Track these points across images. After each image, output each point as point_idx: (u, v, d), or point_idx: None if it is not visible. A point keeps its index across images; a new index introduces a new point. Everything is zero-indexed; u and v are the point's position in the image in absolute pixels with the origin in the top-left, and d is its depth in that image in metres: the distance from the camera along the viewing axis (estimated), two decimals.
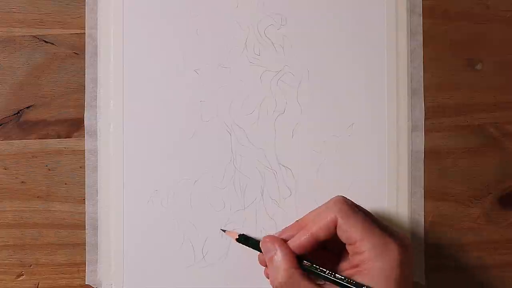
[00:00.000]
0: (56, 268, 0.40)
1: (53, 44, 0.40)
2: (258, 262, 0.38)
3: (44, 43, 0.40)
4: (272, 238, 0.35)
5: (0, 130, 0.40)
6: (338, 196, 0.34)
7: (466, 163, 0.40)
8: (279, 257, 0.34)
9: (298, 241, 0.34)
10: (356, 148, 0.39)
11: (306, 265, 0.34)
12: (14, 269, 0.40)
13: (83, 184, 0.40)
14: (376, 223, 0.33)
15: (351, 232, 0.32)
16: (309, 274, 0.34)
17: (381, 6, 0.40)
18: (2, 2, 0.41)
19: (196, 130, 0.40)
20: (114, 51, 0.40)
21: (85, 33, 0.40)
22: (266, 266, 0.36)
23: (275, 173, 0.40)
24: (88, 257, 0.40)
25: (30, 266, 0.40)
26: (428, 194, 0.40)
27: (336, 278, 0.33)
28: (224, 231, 0.39)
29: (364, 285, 0.31)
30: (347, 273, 0.33)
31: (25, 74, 0.40)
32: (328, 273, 0.33)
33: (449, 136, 0.40)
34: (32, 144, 0.40)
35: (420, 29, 0.40)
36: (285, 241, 0.35)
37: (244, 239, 0.39)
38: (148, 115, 0.40)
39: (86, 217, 0.40)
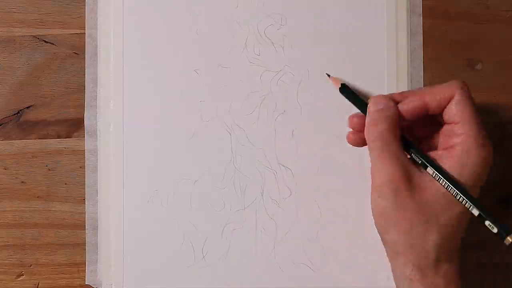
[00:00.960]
0: (56, 268, 0.40)
1: (53, 44, 0.40)
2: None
3: (44, 43, 0.40)
4: (387, 96, 0.34)
5: (0, 130, 0.40)
6: (459, 80, 0.33)
7: None
8: (390, 108, 0.33)
9: (407, 105, 0.33)
10: (356, 148, 0.39)
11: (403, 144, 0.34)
12: (14, 269, 0.40)
13: (83, 184, 0.40)
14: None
15: (462, 111, 0.32)
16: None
17: (381, 6, 0.40)
18: (2, 2, 0.41)
19: (196, 130, 0.40)
20: (114, 51, 0.40)
21: (85, 33, 0.40)
22: (355, 129, 0.36)
23: (275, 173, 0.40)
24: (88, 257, 0.40)
25: (30, 266, 0.40)
26: None
27: (425, 160, 0.32)
28: (329, 75, 0.39)
29: (467, 196, 0.31)
30: (436, 154, 0.33)
31: (25, 74, 0.40)
32: (428, 160, 0.33)
33: None
34: (32, 144, 0.40)
35: (420, 29, 0.40)
36: None
37: (346, 92, 0.37)
38: (148, 115, 0.40)
39: (86, 217, 0.40)
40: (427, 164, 0.33)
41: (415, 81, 0.40)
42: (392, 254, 0.34)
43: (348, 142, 0.37)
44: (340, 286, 0.39)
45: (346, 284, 0.39)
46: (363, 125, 0.35)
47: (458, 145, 0.32)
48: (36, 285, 0.40)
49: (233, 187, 0.40)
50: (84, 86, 0.40)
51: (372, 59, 0.40)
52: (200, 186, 0.40)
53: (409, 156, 0.34)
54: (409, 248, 0.32)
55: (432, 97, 0.33)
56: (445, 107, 0.33)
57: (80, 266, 0.40)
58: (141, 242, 0.40)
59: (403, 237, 0.32)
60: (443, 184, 0.32)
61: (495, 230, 0.31)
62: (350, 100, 0.37)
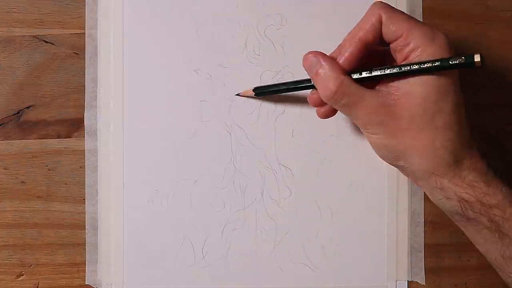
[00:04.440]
0: (56, 268, 0.40)
1: (53, 44, 0.40)
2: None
3: (44, 43, 0.40)
4: (314, 52, 0.34)
5: (0, 130, 0.40)
6: (375, 2, 0.33)
7: None
8: (326, 67, 0.33)
9: (346, 53, 0.33)
10: (356, 148, 0.40)
11: (356, 76, 0.33)
12: (14, 269, 0.40)
13: (83, 184, 0.40)
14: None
15: (398, 24, 0.31)
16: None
17: None
18: (2, 2, 0.41)
19: (196, 130, 0.40)
20: (114, 51, 0.40)
21: (85, 33, 0.40)
22: (319, 104, 0.36)
23: (275, 173, 0.40)
24: (88, 257, 0.40)
25: (30, 266, 0.40)
26: None
27: (393, 68, 0.32)
28: (238, 95, 0.39)
29: (426, 62, 0.31)
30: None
31: (25, 74, 0.40)
32: (382, 69, 0.32)
33: None
34: (32, 144, 0.40)
35: None
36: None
37: (261, 91, 0.38)
38: (148, 115, 0.40)
39: (86, 217, 0.40)
40: (383, 73, 0.32)
41: None
42: (412, 177, 0.34)
43: (322, 117, 0.36)
44: (340, 286, 0.39)
45: (346, 284, 0.39)
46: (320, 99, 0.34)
47: (413, 51, 0.32)
48: (36, 285, 0.40)
49: (233, 187, 0.40)
50: (84, 86, 0.40)
51: None
52: (200, 186, 0.40)
53: (377, 87, 0.33)
54: (424, 162, 0.32)
55: (363, 32, 0.32)
56: (380, 32, 0.32)
57: (80, 266, 0.40)
58: (141, 242, 0.40)
59: (413, 156, 0.32)
60: (408, 73, 0.31)
61: (463, 60, 0.31)
62: (271, 93, 0.38)
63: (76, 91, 0.40)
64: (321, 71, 0.33)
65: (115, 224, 0.40)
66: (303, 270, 0.39)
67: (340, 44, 0.34)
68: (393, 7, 0.32)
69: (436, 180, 0.32)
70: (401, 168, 0.34)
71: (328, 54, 0.34)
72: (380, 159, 0.35)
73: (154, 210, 0.40)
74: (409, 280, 0.40)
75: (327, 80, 0.33)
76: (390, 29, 0.32)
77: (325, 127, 0.40)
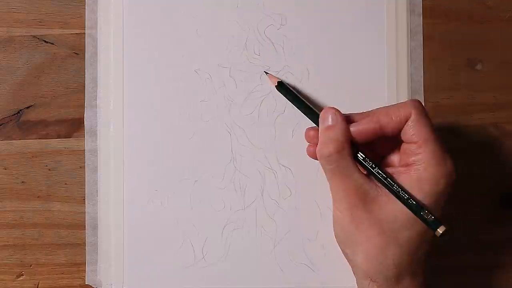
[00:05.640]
0: (56, 268, 0.40)
1: (53, 44, 0.40)
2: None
3: (44, 43, 0.40)
4: (336, 110, 0.34)
5: (0, 130, 0.40)
6: (414, 99, 0.34)
7: (466, 163, 0.40)
8: (337, 128, 0.33)
9: (362, 126, 0.33)
10: None
11: (358, 156, 0.33)
12: (14, 269, 0.40)
13: (83, 184, 0.40)
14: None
15: (419, 131, 0.32)
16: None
17: (381, 6, 0.40)
18: (2, 2, 0.41)
19: (196, 130, 0.40)
20: (114, 51, 0.40)
21: (85, 33, 0.40)
22: (313, 142, 0.35)
23: (275, 173, 0.40)
24: (88, 257, 0.40)
25: (30, 266, 0.40)
26: None
27: (380, 175, 0.32)
28: (266, 73, 0.39)
29: (406, 193, 0.31)
30: (395, 170, 0.33)
31: (25, 74, 0.40)
32: (376, 169, 0.33)
33: (449, 136, 0.40)
34: (32, 144, 0.40)
35: (420, 29, 0.40)
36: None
37: (284, 89, 0.38)
38: (148, 115, 0.40)
39: (86, 217, 0.40)
40: (373, 170, 0.33)
41: (415, 81, 0.40)
42: (353, 269, 0.34)
43: (309, 156, 0.36)
44: (340, 286, 0.39)
45: (346, 284, 0.39)
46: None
47: (416, 163, 0.32)
48: (36, 285, 0.40)
49: (233, 187, 0.40)
50: (84, 86, 0.40)
51: (372, 59, 0.40)
52: (200, 186, 0.40)
53: (365, 172, 0.34)
54: (367, 263, 0.32)
55: (387, 119, 0.32)
56: (401, 128, 0.32)
57: (80, 266, 0.40)
58: (141, 242, 0.40)
59: (361, 252, 0.32)
60: (389, 190, 0.32)
61: (428, 221, 0.31)
62: (288, 98, 0.38)
63: (76, 91, 0.40)
64: (332, 128, 0.33)
65: (115, 224, 0.40)
66: (303, 270, 0.39)
67: (364, 113, 0.34)
68: (425, 110, 0.32)
69: (370, 285, 0.32)
70: (345, 256, 0.34)
71: (350, 114, 0.34)
72: None
73: (154, 210, 0.40)
74: None
75: (330, 141, 0.33)
76: (410, 132, 0.32)
77: None
